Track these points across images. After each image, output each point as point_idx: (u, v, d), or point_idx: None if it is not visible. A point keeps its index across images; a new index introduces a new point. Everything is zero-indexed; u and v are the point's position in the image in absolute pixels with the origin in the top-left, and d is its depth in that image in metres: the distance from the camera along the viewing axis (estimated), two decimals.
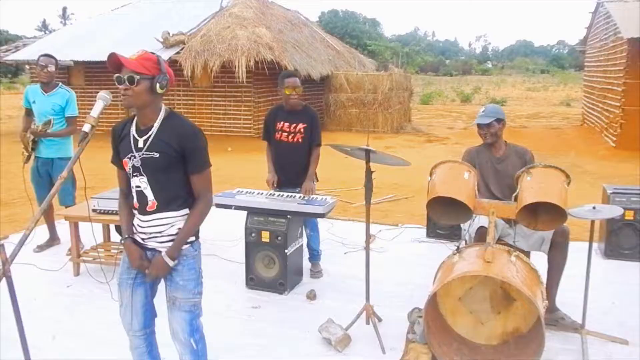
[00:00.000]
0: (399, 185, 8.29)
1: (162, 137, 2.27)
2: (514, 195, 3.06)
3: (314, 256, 4.57)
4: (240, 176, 9.23)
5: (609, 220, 4.66)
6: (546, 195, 2.86)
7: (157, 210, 2.33)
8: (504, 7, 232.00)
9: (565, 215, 2.87)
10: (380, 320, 3.61)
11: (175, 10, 15.56)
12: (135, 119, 2.36)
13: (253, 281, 4.19)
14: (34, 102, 4.84)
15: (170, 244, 2.36)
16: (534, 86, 44.97)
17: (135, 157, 2.30)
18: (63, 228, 5.35)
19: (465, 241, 3.93)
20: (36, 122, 4.83)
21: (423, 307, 3.37)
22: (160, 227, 2.35)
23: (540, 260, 3.44)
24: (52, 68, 4.74)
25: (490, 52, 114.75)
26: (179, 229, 2.35)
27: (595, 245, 4.72)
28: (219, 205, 4.14)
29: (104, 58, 2.26)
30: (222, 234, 5.25)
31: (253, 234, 4.12)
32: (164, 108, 2.32)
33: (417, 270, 4.65)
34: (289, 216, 4.04)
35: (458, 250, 3.25)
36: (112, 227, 5.01)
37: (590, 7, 15.07)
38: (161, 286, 2.54)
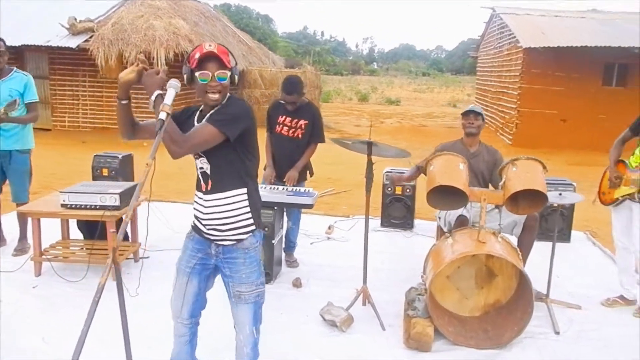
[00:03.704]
0: (333, 180, 8.63)
1: (215, 114, 2.32)
2: (500, 184, 3.49)
3: (291, 247, 4.75)
4: (184, 172, 9.00)
5: None
6: (531, 183, 3.33)
7: (213, 190, 2.37)
8: (388, 10, 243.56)
9: (546, 200, 3.36)
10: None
11: None
12: (202, 108, 2.42)
13: None
14: None
15: (230, 233, 2.40)
16: (420, 88, 47.86)
17: None
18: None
19: (440, 227, 4.35)
20: None
21: (416, 286, 3.73)
22: (220, 207, 2.37)
23: None
24: (2, 51, 4.43)
25: (377, 53, 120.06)
26: (244, 220, 2.41)
27: None
28: None
29: None
30: None
31: None
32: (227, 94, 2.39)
33: (383, 256, 5.01)
34: (275, 207, 4.18)
35: (450, 234, 3.63)
36: (72, 223, 4.77)
37: (483, 17, 16.58)
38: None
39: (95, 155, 6.26)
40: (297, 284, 4.25)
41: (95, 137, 12.79)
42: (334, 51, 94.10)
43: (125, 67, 10.11)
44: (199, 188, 2.44)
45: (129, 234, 4.83)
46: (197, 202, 2.46)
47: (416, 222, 5.91)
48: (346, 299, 3.87)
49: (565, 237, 5.46)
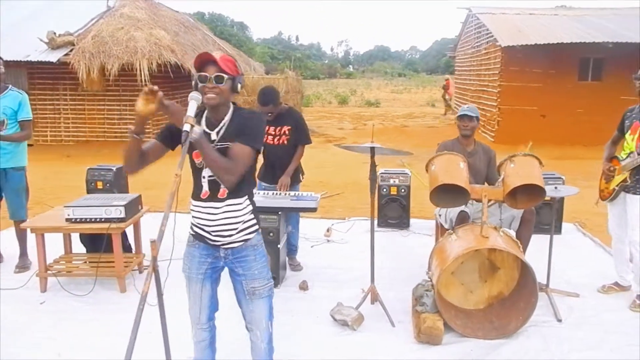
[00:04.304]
0: (324, 183, 8.73)
1: (233, 127, 2.41)
2: (499, 180, 3.63)
3: (293, 251, 4.83)
4: (162, 182, 9.00)
5: None
6: (530, 178, 3.48)
7: (228, 197, 2.43)
8: (362, 12, 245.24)
9: (544, 194, 3.51)
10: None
11: (52, 9, 14.48)
12: (206, 114, 2.48)
13: None
14: None
15: (238, 235, 2.47)
16: (397, 89, 48.21)
17: None
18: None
19: (441, 224, 4.48)
20: None
21: (422, 282, 3.84)
22: (229, 213, 2.44)
23: None
24: (1, 69, 4.44)
25: (352, 56, 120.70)
26: (248, 222, 2.50)
27: None
28: None
29: None
30: None
31: None
32: (232, 104, 2.48)
33: (383, 256, 5.09)
34: (279, 212, 4.26)
35: (453, 230, 3.76)
36: (74, 237, 4.78)
37: (457, 16, 16.93)
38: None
39: (89, 169, 6.26)
40: (303, 286, 4.34)
41: (79, 150, 12.69)
42: (310, 56, 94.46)
43: (108, 80, 10.10)
44: (200, 197, 2.46)
45: (132, 246, 4.86)
46: (200, 211, 2.48)
47: (412, 221, 6.04)
48: (352, 299, 3.98)
49: (556, 229, 5.63)
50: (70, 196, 7.48)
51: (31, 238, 4.74)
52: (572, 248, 5.28)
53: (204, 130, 2.43)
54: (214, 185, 2.44)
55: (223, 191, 2.43)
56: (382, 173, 5.93)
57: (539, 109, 12.55)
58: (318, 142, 14.66)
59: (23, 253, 4.83)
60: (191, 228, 2.57)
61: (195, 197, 2.49)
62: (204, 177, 2.46)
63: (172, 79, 12.38)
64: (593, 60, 12.55)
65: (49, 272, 4.34)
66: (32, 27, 13.30)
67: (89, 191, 6.09)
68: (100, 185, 6.13)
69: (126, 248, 4.79)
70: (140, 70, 11.42)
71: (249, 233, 2.51)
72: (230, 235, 2.47)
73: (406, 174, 5.94)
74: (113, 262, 4.33)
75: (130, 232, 4.75)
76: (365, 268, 4.71)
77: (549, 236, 5.46)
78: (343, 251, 5.29)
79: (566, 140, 11.98)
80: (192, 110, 2.29)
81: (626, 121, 4.01)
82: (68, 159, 11.88)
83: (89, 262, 4.59)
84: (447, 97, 23.30)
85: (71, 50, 12.13)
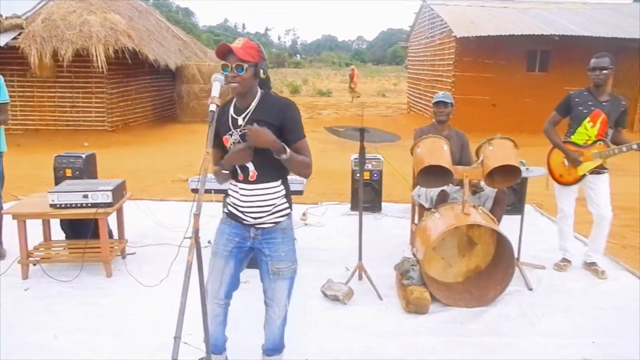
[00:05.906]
0: None
1: (260, 112, 2.50)
2: (478, 162, 3.90)
3: None
4: (122, 170, 8.87)
5: None
6: (507, 159, 3.76)
7: (258, 181, 2.54)
8: (309, 2, 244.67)
9: (519, 175, 3.81)
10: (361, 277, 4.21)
11: None
12: (234, 101, 2.58)
13: None
14: None
15: (269, 217, 2.57)
16: (346, 79, 48.39)
17: (235, 134, 2.52)
18: None
19: (420, 204, 4.72)
20: None
21: (407, 258, 4.08)
22: (260, 196, 2.55)
23: None
24: None
25: (299, 45, 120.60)
26: (280, 205, 2.59)
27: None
28: (194, 190, 4.28)
29: None
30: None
31: None
32: (259, 89, 2.57)
33: (362, 237, 5.32)
34: None
35: (436, 209, 4.01)
36: (52, 223, 4.71)
37: (405, 7, 17.35)
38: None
39: (56, 156, 6.10)
40: None
41: (29, 139, 12.22)
42: (266, 44, 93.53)
43: (61, 66, 9.92)
44: (235, 178, 2.59)
45: (113, 232, 4.84)
46: (234, 191, 2.61)
47: (384, 204, 6.28)
48: (338, 277, 4.16)
49: (519, 209, 6.00)
50: (32, 185, 7.30)
51: (5, 226, 4.66)
52: (533, 226, 5.68)
53: (232, 116, 2.55)
54: (244, 169, 2.55)
55: (253, 174, 2.53)
56: (355, 158, 6.13)
57: (490, 98, 13.14)
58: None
59: None
60: (226, 207, 2.67)
61: (232, 177, 2.60)
62: None
63: (130, 64, 12.10)
64: (540, 52, 13.23)
65: (31, 259, 4.28)
66: None
67: (57, 179, 5.94)
68: (69, 172, 5.98)
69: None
70: (96, 56, 11.10)
71: (281, 216, 2.60)
72: (261, 217, 2.58)
73: (378, 159, 6.17)
74: (97, 247, 4.33)
75: (110, 218, 4.74)
76: (345, 248, 4.94)
77: (512, 216, 5.87)
78: (321, 234, 5.47)
79: (515, 128, 12.59)
80: (216, 91, 2.38)
81: (579, 107, 4.14)
82: (18, 147, 11.42)
83: (69, 248, 4.56)
84: (352, 85, 24.25)
85: (20, 34, 11.62)
